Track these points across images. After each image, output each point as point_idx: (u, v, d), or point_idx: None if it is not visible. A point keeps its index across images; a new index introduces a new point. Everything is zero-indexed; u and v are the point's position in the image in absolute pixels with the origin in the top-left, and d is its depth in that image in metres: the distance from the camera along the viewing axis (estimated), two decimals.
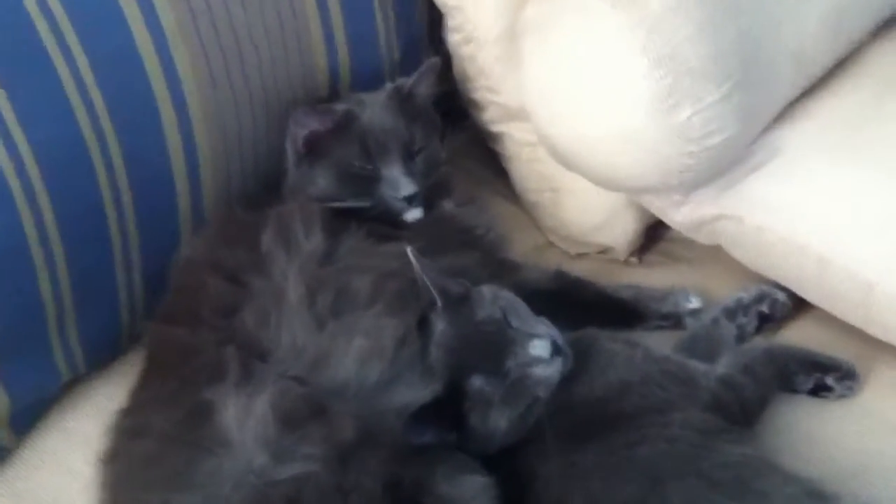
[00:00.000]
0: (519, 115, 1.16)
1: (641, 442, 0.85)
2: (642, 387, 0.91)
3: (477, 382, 0.86)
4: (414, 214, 1.08)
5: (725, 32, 0.93)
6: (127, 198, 0.99)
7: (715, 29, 0.92)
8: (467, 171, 1.27)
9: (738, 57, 0.94)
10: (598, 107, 0.96)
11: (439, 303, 0.90)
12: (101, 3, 0.96)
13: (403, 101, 1.11)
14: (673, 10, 0.91)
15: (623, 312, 1.09)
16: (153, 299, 1.01)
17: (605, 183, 1.05)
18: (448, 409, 0.86)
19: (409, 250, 0.91)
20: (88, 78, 0.95)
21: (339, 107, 1.10)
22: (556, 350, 0.88)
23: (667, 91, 0.92)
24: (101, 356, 1.04)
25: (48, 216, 0.93)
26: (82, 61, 0.94)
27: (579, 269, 1.16)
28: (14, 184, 0.90)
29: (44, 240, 0.93)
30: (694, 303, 1.10)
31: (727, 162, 1.01)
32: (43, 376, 0.98)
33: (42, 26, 0.92)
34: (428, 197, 1.09)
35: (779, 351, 1.02)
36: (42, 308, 0.95)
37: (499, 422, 0.87)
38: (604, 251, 1.22)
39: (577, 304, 1.07)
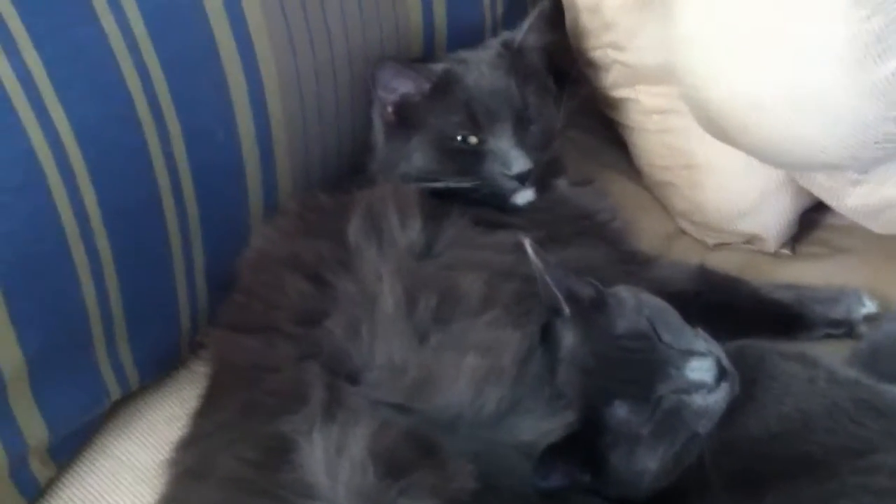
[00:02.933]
0: (648, 76, 1.07)
1: (839, 496, 0.73)
2: (830, 420, 0.79)
3: (620, 411, 0.76)
4: (526, 196, 0.98)
5: None
6: (187, 184, 0.90)
7: None
8: (576, 145, 1.16)
9: None
10: (777, 59, 0.83)
11: (566, 310, 0.80)
12: None
13: (514, 58, 1.00)
14: None
15: (783, 319, 0.96)
16: (219, 301, 0.91)
17: (774, 158, 0.92)
18: (583, 445, 0.76)
19: (526, 242, 0.81)
20: (142, 36, 0.85)
21: (437, 66, 1.01)
22: (722, 373, 0.76)
23: (873, 37, 0.78)
24: (156, 370, 0.97)
25: (92, 208, 0.85)
26: (134, 16, 0.84)
27: (719, 262, 1.04)
28: (50, 171, 0.82)
29: (86, 236, 0.85)
30: (869, 307, 0.97)
31: None
32: (88, 396, 0.91)
33: None
34: (541, 175, 0.99)
35: None
36: (85, 317, 0.87)
37: (647, 461, 0.76)
38: (749, 241, 1.09)
39: (726, 308, 0.94)
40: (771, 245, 1.07)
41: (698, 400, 0.75)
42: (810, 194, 1.02)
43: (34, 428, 0.86)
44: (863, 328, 0.96)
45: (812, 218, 1.10)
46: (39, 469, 0.88)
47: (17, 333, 0.82)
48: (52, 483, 0.90)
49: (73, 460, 0.91)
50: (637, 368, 0.76)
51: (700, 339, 0.78)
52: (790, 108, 0.83)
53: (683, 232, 1.12)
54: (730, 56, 0.85)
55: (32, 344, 0.83)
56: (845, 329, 0.96)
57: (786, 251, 1.08)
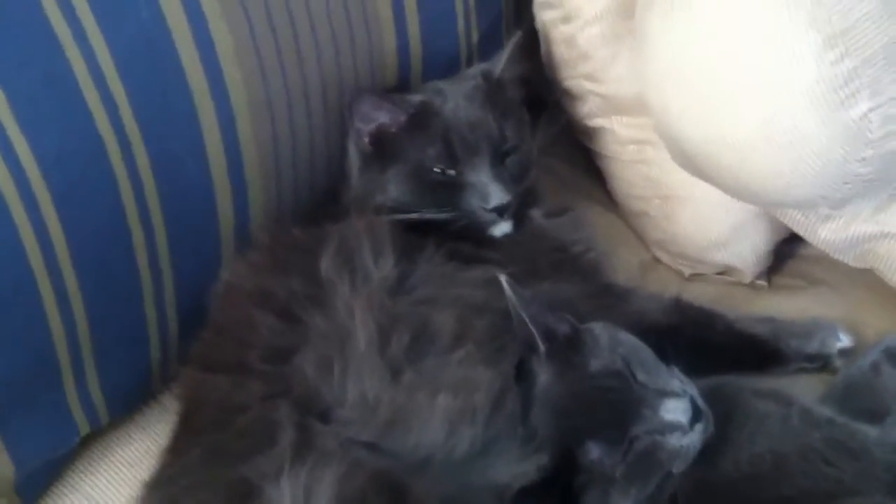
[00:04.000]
0: (624, 107, 1.06)
1: None
2: (804, 462, 0.78)
3: (593, 452, 0.75)
4: (503, 228, 0.98)
5: None
6: (156, 214, 0.89)
7: None
8: (553, 173, 1.15)
9: None
10: (747, 99, 0.82)
11: (542, 347, 0.79)
12: None
13: (492, 90, 0.99)
14: None
15: (759, 353, 0.95)
16: (190, 335, 0.90)
17: (746, 195, 0.91)
18: (556, 487, 0.74)
19: (502, 278, 0.80)
20: (108, 66, 0.83)
21: (414, 97, 1.00)
22: (696, 414, 0.75)
23: (842, 78, 0.78)
24: (126, 404, 0.95)
25: (58, 241, 0.83)
26: (99, 45, 0.83)
27: (694, 294, 1.02)
28: (14, 203, 0.80)
29: (52, 268, 0.83)
30: (844, 341, 0.96)
31: None
32: (56, 432, 0.89)
33: (49, 2, 0.80)
34: (518, 207, 0.98)
35: None
36: (52, 350, 0.86)
37: (620, 502, 0.75)
38: (725, 272, 1.08)
39: (702, 342, 0.92)
40: (746, 276, 1.07)
41: (672, 441, 0.74)
42: (786, 226, 1.01)
43: (2, 465, 0.84)
44: (838, 362, 0.95)
45: (788, 249, 1.09)
46: None
47: None
48: None
49: (40, 497, 0.90)
50: (611, 409, 0.75)
51: (675, 379, 0.77)
52: (762, 148, 0.83)
53: (659, 262, 1.11)
54: (702, 95, 0.85)
55: None
56: (820, 363, 0.95)
57: (762, 282, 1.08)
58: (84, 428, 0.91)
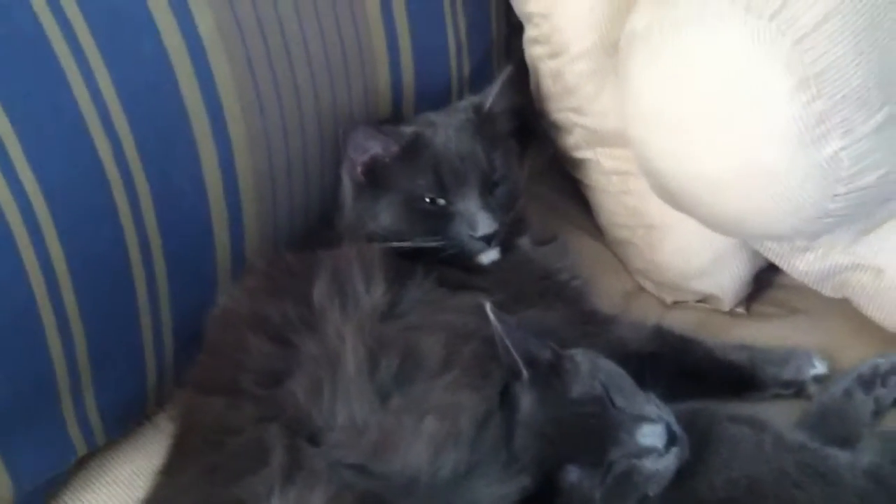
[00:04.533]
0: (608, 139, 1.08)
1: None
2: (775, 485, 0.79)
3: (573, 475, 0.77)
4: (491, 256, 1.00)
5: (885, 54, 0.81)
6: (155, 241, 0.90)
7: (874, 49, 0.80)
8: (542, 201, 1.18)
9: None
10: (724, 137, 0.85)
11: (525, 374, 0.81)
12: (126, 7, 0.86)
13: (482, 123, 1.02)
14: (827, 22, 0.79)
15: (735, 379, 0.96)
16: (185, 359, 0.91)
17: (723, 228, 0.94)
18: None
19: (487, 306, 0.81)
20: (111, 100, 0.85)
21: (406, 129, 1.02)
22: (672, 439, 0.77)
23: (814, 119, 0.80)
24: (122, 425, 0.96)
25: (60, 268, 0.84)
26: (103, 79, 0.84)
27: (675, 321, 1.06)
28: (18, 231, 0.81)
29: (54, 294, 0.84)
30: (819, 368, 0.98)
31: (876, 205, 0.90)
32: (54, 452, 0.90)
33: (54, 34, 0.82)
34: (505, 235, 1.00)
35: None
36: (52, 373, 0.86)
37: None
38: (705, 300, 1.11)
39: (681, 369, 0.95)
40: (726, 304, 1.09)
41: (648, 464, 0.76)
42: (764, 256, 1.03)
43: (1, 484, 0.85)
44: (812, 389, 0.97)
45: (767, 278, 1.11)
46: None
47: None
48: None
49: None
50: (590, 433, 0.77)
51: (652, 405, 0.79)
52: (738, 185, 0.85)
53: (643, 289, 1.13)
54: (682, 134, 0.87)
55: (1, 402, 0.83)
56: (796, 389, 0.97)
57: (741, 310, 1.10)
58: (81, 448, 0.91)
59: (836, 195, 0.83)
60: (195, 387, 0.85)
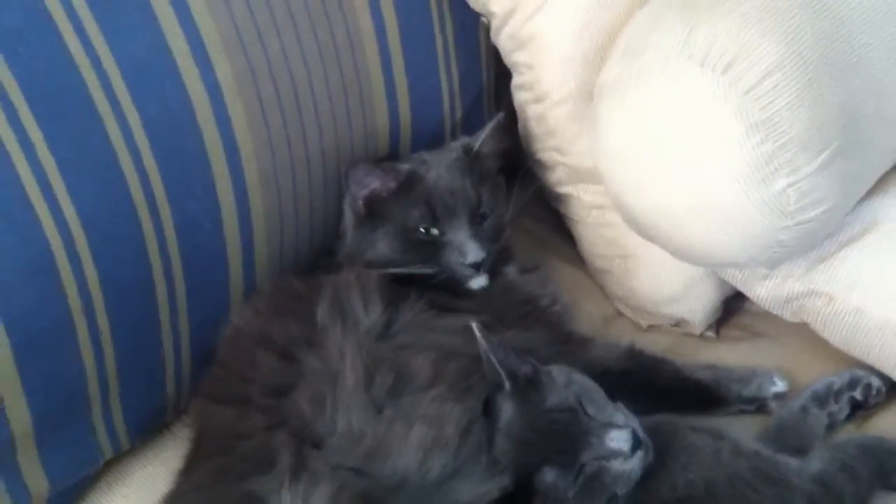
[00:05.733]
0: (587, 176, 1.13)
1: None
2: (730, 487, 0.85)
3: (548, 476, 0.82)
4: (479, 282, 1.05)
5: (827, 99, 0.87)
6: (177, 266, 0.96)
7: (818, 94, 0.86)
8: (530, 232, 1.24)
9: (838, 124, 0.88)
10: (683, 175, 0.90)
11: (507, 386, 0.86)
12: (154, 58, 0.93)
13: (471, 161, 1.08)
14: (772, 76, 0.85)
15: (701, 396, 1.02)
16: (201, 371, 0.97)
17: (685, 256, 0.99)
18: None
19: (474, 326, 0.87)
20: (141, 140, 0.92)
21: (403, 166, 1.07)
22: (637, 443, 0.82)
23: (763, 160, 0.86)
24: (144, 432, 1.01)
25: (94, 289, 0.90)
26: (134, 121, 0.91)
27: (651, 343, 1.10)
28: (60, 255, 0.87)
29: (89, 311, 0.90)
30: (779, 386, 1.03)
31: (822, 236, 0.95)
32: (84, 455, 0.95)
33: (92, 82, 0.89)
34: (493, 263, 1.06)
35: (876, 444, 0.94)
36: (85, 384, 0.92)
37: None
38: (678, 324, 1.16)
39: (652, 385, 1.01)
40: (697, 328, 1.14)
41: (616, 466, 0.81)
42: (731, 284, 1.09)
43: (37, 481, 0.90)
44: (773, 405, 1.02)
45: (735, 305, 1.16)
46: None
47: (26, 399, 0.86)
48: None
49: None
50: (563, 438, 0.81)
51: (619, 413, 0.84)
52: (695, 218, 0.90)
53: (620, 314, 1.18)
54: (644, 171, 0.92)
55: (39, 408, 0.88)
56: (757, 405, 1.02)
57: (710, 334, 1.15)
58: (108, 452, 0.96)
59: (784, 227, 0.88)
60: (208, 397, 0.91)
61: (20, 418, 0.87)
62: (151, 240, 0.93)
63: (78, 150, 0.88)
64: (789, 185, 0.87)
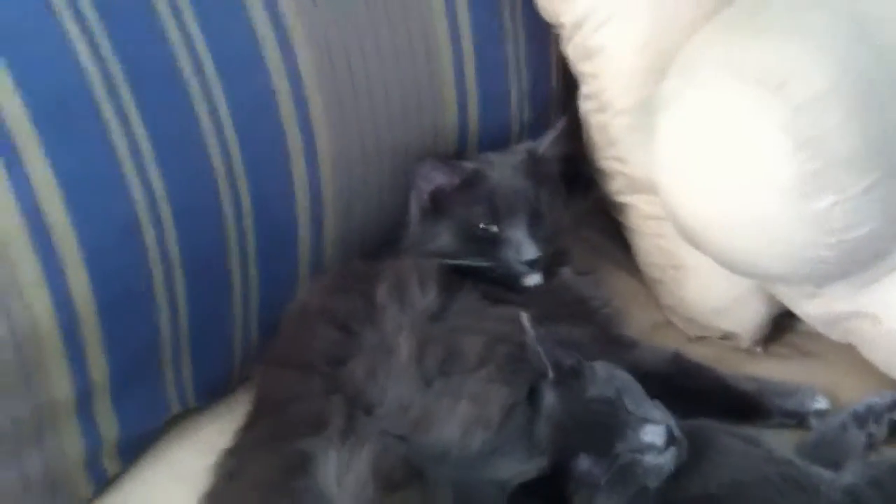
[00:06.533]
0: (646, 187, 1.14)
1: None
2: (759, 489, 0.86)
3: (584, 463, 0.83)
4: (534, 279, 1.07)
5: (876, 122, 0.89)
6: (251, 240, 1.00)
7: (866, 117, 0.88)
8: (588, 240, 1.26)
9: (887, 147, 0.90)
10: (731, 188, 0.92)
11: (551, 375, 0.88)
12: (243, 46, 0.98)
13: (534, 165, 1.11)
14: (822, 97, 0.87)
15: (743, 405, 1.03)
16: (267, 341, 1.01)
17: (732, 267, 1.01)
18: (551, 489, 0.83)
19: (523, 316, 0.89)
20: (226, 120, 0.96)
21: (468, 164, 1.11)
22: (671, 439, 0.84)
23: (809, 176, 0.88)
24: (211, 393, 1.05)
25: (174, 255, 0.95)
26: (221, 103, 0.96)
27: (698, 354, 1.11)
28: (145, 222, 0.92)
29: (168, 279, 0.95)
30: (821, 403, 1.04)
31: (867, 257, 0.96)
32: (153, 408, 0.99)
33: (186, 66, 0.94)
34: (548, 263, 1.08)
35: None
36: (160, 344, 0.96)
37: None
38: (726, 337, 1.17)
39: (694, 391, 1.02)
40: (744, 342, 1.15)
41: (649, 459, 0.82)
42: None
43: (110, 429, 0.95)
44: (813, 421, 1.02)
45: (786, 323, 1.16)
46: (109, 464, 0.96)
47: (106, 351, 0.91)
48: (116, 477, 0.98)
49: (135, 460, 1.00)
50: (601, 428, 0.83)
51: (657, 410, 0.85)
52: (743, 229, 0.92)
53: (670, 323, 1.19)
54: (696, 182, 0.94)
55: (117, 361, 0.92)
56: (797, 420, 1.03)
57: (758, 349, 1.15)
58: (175, 407, 1.01)
59: (827, 244, 0.90)
60: (273, 362, 0.96)
61: (99, 370, 0.92)
62: (230, 214, 0.98)
63: (171, 131, 0.93)
64: (835, 204, 0.89)
